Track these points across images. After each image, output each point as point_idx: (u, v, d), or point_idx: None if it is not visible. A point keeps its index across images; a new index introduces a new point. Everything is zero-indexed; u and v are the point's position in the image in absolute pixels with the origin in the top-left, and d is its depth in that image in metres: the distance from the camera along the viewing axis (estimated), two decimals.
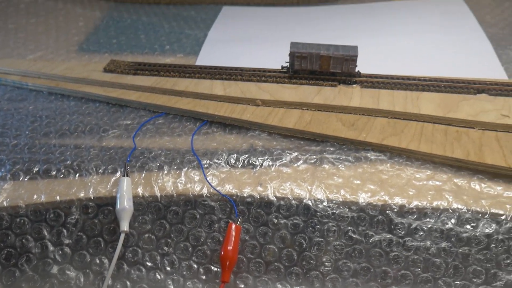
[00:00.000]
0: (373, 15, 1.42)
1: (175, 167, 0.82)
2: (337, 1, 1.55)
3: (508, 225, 0.72)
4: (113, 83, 1.00)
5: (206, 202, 0.77)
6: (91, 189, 0.79)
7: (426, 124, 0.87)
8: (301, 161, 0.82)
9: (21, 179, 0.80)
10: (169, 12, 1.46)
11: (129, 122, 0.93)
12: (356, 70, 0.98)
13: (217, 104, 0.93)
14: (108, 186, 0.79)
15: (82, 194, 0.78)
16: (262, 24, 1.37)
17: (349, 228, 0.75)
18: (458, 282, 0.72)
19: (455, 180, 0.78)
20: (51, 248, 0.77)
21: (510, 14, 1.38)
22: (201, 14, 1.45)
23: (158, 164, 0.82)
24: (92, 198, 0.78)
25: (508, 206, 0.73)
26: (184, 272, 0.76)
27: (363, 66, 0.99)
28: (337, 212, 0.75)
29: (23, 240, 0.77)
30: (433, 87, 0.95)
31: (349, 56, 0.94)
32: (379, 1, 1.53)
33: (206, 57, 1.15)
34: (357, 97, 0.93)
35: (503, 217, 0.72)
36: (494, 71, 1.06)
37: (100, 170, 0.82)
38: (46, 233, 0.77)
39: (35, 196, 0.77)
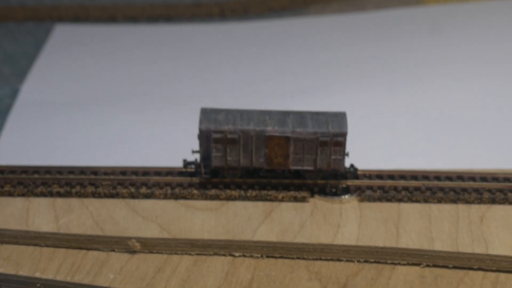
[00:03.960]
0: (377, 38, 1.49)
1: None
2: (307, 7, 1.63)
3: None
4: None
5: None
6: None
7: (503, 275, 0.91)
8: None
9: None
10: None
11: None
12: (347, 165, 1.02)
13: (40, 254, 0.96)
14: None
15: None
16: (141, 63, 1.44)
17: None
18: None
19: None
20: None
21: None
22: (4, 43, 1.50)
23: None
24: None
25: None
26: None
27: (362, 154, 1.03)
28: None
29: None
30: None
31: (329, 135, 0.97)
32: (393, 7, 1.62)
33: (13, 145, 1.19)
34: (352, 224, 0.97)
35: None
36: None
37: None
38: None
39: None
